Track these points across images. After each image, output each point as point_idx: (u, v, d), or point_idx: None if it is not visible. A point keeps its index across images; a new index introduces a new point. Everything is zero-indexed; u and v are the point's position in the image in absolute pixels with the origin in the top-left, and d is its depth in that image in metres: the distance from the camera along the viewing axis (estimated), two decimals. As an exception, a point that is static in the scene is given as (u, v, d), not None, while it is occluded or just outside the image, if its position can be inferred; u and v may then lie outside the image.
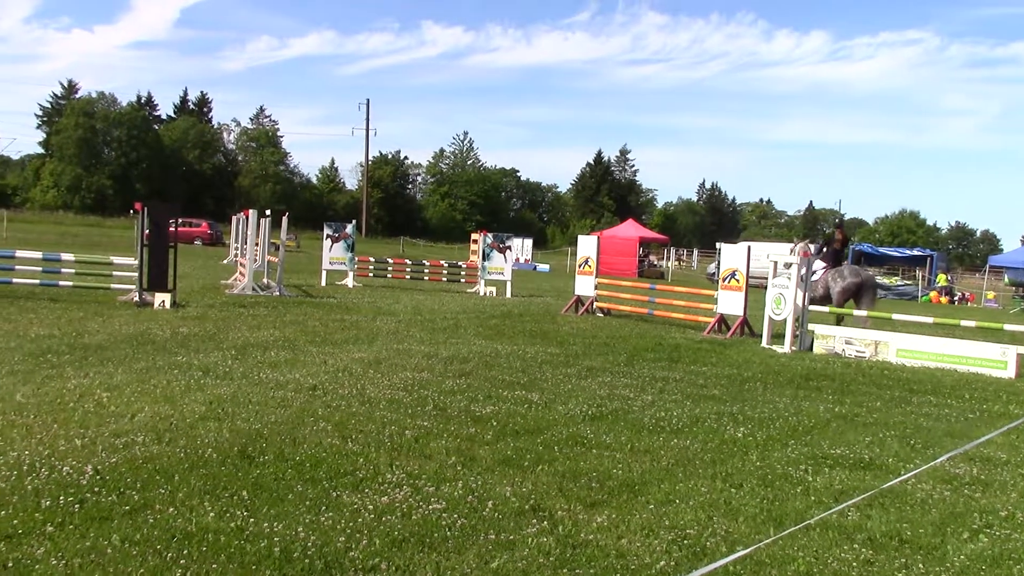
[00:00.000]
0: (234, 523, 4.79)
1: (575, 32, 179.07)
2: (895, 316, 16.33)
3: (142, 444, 6.24)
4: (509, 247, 25.90)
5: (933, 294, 41.47)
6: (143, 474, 5.54)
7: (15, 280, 15.89)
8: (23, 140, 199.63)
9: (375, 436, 6.94)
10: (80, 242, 39.99)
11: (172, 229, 16.20)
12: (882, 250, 54.23)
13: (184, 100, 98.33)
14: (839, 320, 17.26)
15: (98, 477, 5.41)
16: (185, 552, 4.37)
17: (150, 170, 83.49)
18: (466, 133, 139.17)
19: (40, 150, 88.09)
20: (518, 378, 10.22)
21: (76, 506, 4.88)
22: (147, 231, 15.84)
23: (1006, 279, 46.60)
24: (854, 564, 4.83)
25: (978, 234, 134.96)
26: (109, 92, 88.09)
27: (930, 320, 16.47)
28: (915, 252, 52.29)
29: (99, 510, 4.86)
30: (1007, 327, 14.97)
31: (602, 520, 5.26)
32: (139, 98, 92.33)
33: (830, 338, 15.04)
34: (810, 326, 15.48)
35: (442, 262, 28.57)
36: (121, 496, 5.11)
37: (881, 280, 44.42)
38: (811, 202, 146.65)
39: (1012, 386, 12.22)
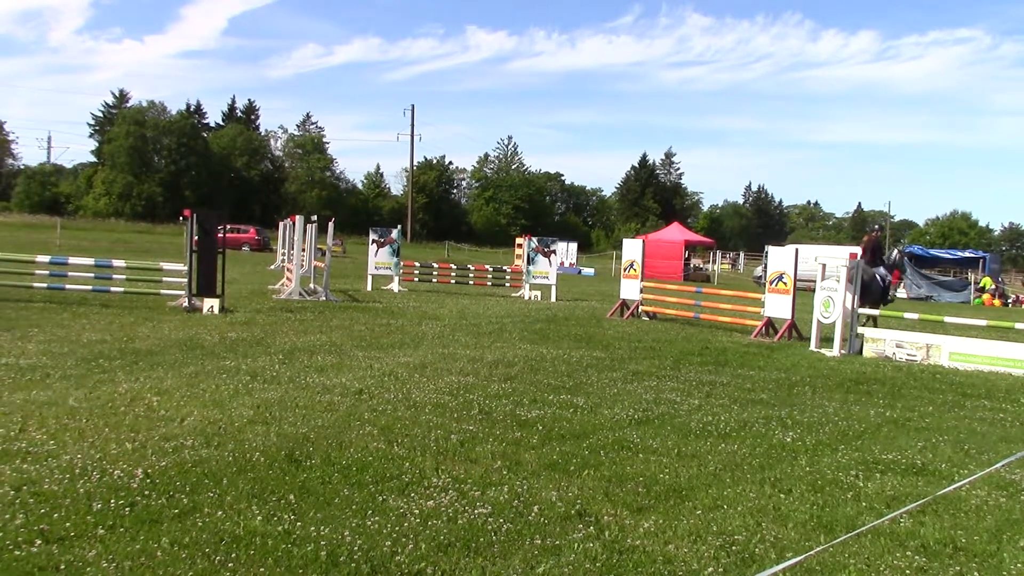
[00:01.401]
0: (281, 527, 4.82)
1: (619, 35, 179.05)
2: (947, 319, 16.05)
3: (191, 448, 6.31)
4: (554, 251, 25.86)
5: (986, 296, 40.70)
6: (192, 478, 5.60)
7: (68, 286, 16.20)
8: (76, 149, 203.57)
9: (421, 440, 6.95)
10: (131, 249, 40.65)
11: (220, 235, 16.39)
12: (933, 252, 53.37)
13: (232, 108, 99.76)
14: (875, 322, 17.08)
15: (148, 480, 5.48)
16: (233, 555, 4.40)
17: (199, 177, 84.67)
18: (510, 137, 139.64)
19: (92, 159, 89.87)
20: (563, 382, 10.19)
21: (127, 509, 4.94)
22: (196, 237, 16.04)
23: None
24: (907, 571, 4.73)
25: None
26: (159, 101, 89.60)
27: (983, 323, 16.17)
28: (967, 254, 51.40)
29: (149, 513, 4.91)
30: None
31: (649, 525, 5.21)
32: (188, 106, 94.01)
33: (880, 341, 14.81)
34: (860, 329, 15.26)
35: (487, 266, 28.64)
36: (171, 499, 5.16)
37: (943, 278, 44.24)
38: (859, 204, 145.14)
39: (1069, 390, 11.92)
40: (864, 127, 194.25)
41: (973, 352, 13.90)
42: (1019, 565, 4.91)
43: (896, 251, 20.04)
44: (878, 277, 18.03)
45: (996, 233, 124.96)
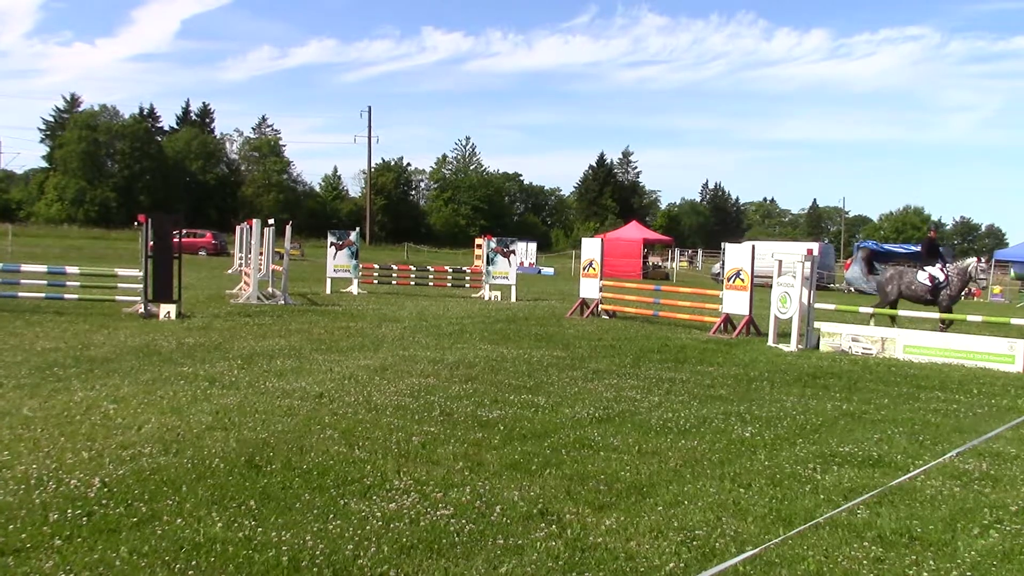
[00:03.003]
0: (242, 533, 4.79)
1: (575, 35, 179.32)
2: (901, 312, 16.30)
3: (149, 455, 6.24)
4: (513, 251, 25.89)
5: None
6: (150, 485, 5.54)
7: (20, 294, 15.93)
8: (27, 155, 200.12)
9: (382, 443, 6.93)
10: (85, 255, 40.05)
11: (176, 240, 16.23)
12: (887, 247, 54.13)
13: (186, 111, 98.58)
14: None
15: (105, 489, 5.41)
16: (193, 563, 4.36)
17: (153, 182, 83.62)
18: (468, 138, 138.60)
19: (44, 164, 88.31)
20: (524, 382, 10.21)
21: (84, 519, 4.88)
22: (151, 242, 15.86)
23: (1012, 273, 46.45)
24: (864, 562, 4.80)
25: (983, 228, 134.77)
26: (111, 105, 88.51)
27: (936, 316, 16.42)
28: (919, 248, 52.20)
29: (107, 523, 4.86)
30: (1014, 321, 14.94)
31: (610, 523, 5.24)
32: (141, 110, 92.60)
33: (836, 336, 15.00)
34: (816, 324, 15.44)
35: (446, 267, 28.59)
36: (129, 508, 5.10)
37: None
38: (815, 200, 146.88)
39: (1020, 380, 12.16)
40: (818, 124, 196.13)
41: (927, 345, 14.12)
42: (972, 553, 5.00)
43: (976, 259, 18.21)
44: (919, 278, 17.80)
45: (948, 227, 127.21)
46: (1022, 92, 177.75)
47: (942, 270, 17.84)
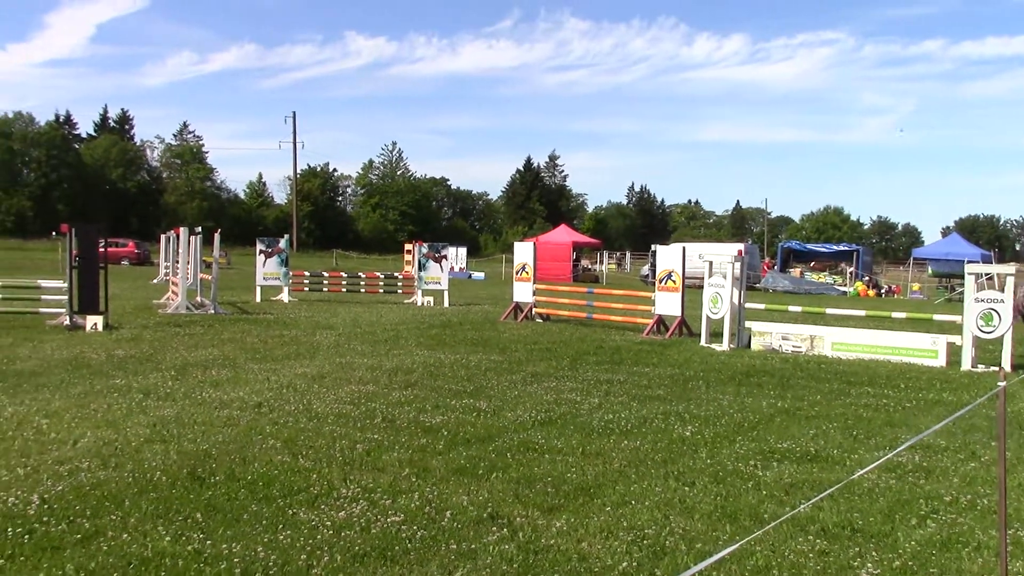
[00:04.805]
0: (191, 546, 4.70)
1: (499, 40, 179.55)
2: (829, 311, 16.68)
3: (88, 470, 6.10)
4: (445, 256, 25.86)
5: (861, 287, 42.39)
6: (92, 501, 5.42)
7: (-62, 308, 15.43)
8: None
9: (326, 451, 6.88)
10: (1, 266, 38.91)
11: (101, 250, 15.87)
12: (809, 246, 55.37)
13: (104, 118, 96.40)
14: None
15: (45, 506, 5.28)
16: (143, 578, 4.28)
17: (71, 190, 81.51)
18: (394, 143, 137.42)
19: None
20: (464, 387, 10.21)
21: (25, 537, 4.75)
22: (75, 252, 15.48)
23: (929, 271, 47.81)
24: (810, 555, 4.91)
25: (900, 227, 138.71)
26: (26, 112, 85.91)
27: (862, 313, 16.84)
28: (841, 247, 53.45)
29: (50, 540, 4.74)
30: (936, 317, 15.37)
31: (561, 524, 5.28)
32: (57, 117, 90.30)
33: (767, 334, 15.29)
34: (747, 323, 15.71)
35: (378, 273, 28.43)
36: (71, 524, 4.98)
37: (810, 277, 45.23)
38: (738, 201, 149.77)
39: (944, 374, 12.55)
40: (740, 127, 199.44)
41: (854, 342, 14.47)
42: (912, 543, 5.14)
43: None
44: None
45: (867, 226, 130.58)
46: (933, 94, 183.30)
47: None
